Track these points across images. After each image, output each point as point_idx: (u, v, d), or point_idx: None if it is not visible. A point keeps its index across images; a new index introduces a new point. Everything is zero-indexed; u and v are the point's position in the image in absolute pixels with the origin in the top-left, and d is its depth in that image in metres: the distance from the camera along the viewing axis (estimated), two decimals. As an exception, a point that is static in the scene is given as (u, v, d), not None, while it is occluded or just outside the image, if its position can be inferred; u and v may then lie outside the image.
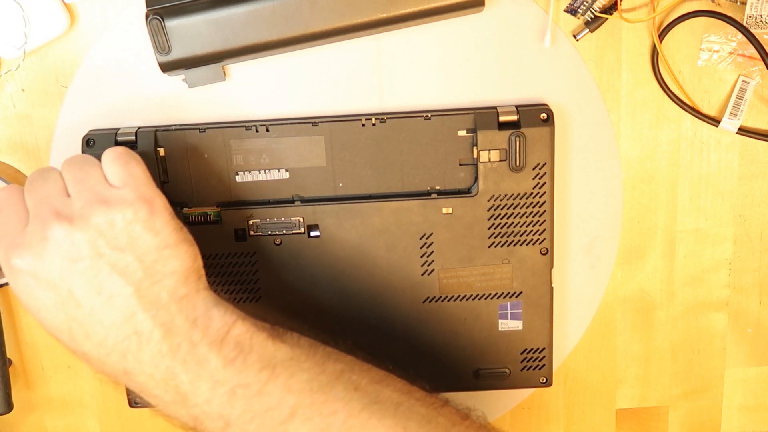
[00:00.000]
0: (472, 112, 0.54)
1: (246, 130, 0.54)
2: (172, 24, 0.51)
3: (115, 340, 0.44)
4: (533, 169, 0.55)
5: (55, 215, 0.44)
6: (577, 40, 0.55)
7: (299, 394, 0.45)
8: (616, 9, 0.54)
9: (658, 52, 0.55)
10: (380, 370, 0.49)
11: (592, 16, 0.54)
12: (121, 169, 0.46)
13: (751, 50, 0.54)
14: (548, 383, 0.59)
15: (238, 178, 0.55)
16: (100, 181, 0.45)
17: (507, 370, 0.59)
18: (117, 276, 0.44)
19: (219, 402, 0.44)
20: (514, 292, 0.57)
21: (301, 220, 0.56)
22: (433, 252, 0.56)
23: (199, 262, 0.46)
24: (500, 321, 0.58)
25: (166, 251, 0.45)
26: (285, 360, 0.46)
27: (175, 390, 0.45)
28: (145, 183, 0.46)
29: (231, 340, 0.45)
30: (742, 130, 0.57)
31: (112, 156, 0.47)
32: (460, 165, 0.55)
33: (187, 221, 0.56)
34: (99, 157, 0.47)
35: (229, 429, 0.45)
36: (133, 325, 0.44)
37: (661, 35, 0.55)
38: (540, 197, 0.55)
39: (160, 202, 0.46)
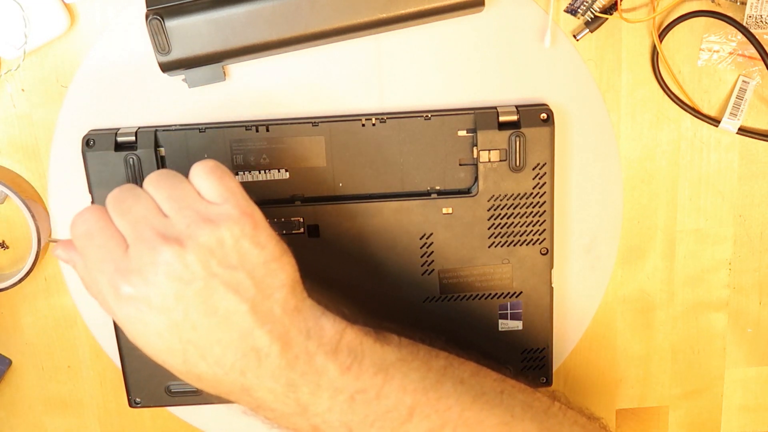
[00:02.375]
0: (472, 112, 0.54)
1: (246, 130, 0.54)
2: (172, 24, 0.51)
3: (233, 358, 0.43)
4: (533, 169, 0.55)
5: (161, 238, 0.42)
6: (577, 40, 0.55)
7: (414, 394, 0.46)
8: (616, 9, 0.54)
9: (658, 52, 0.55)
10: (471, 362, 0.50)
11: (592, 16, 0.54)
12: (218, 183, 0.44)
13: (751, 50, 0.54)
14: (548, 383, 0.59)
15: (238, 178, 0.55)
16: (197, 198, 0.44)
17: (507, 370, 0.59)
18: (231, 294, 0.43)
19: (340, 409, 0.45)
20: (514, 292, 0.57)
21: (301, 220, 0.56)
22: (433, 252, 0.56)
23: (298, 271, 0.46)
24: (500, 321, 0.58)
25: (273, 264, 0.44)
26: (395, 361, 0.46)
27: (295, 402, 0.44)
28: (243, 196, 0.45)
29: (344, 347, 0.45)
30: (742, 130, 0.57)
31: (205, 170, 0.45)
32: (460, 165, 0.55)
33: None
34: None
35: None
36: (251, 342, 0.43)
37: (661, 35, 0.55)
38: (540, 197, 0.55)
39: (259, 214, 0.44)
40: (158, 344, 0.43)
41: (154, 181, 0.45)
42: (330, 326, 0.46)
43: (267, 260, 0.44)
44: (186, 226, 0.42)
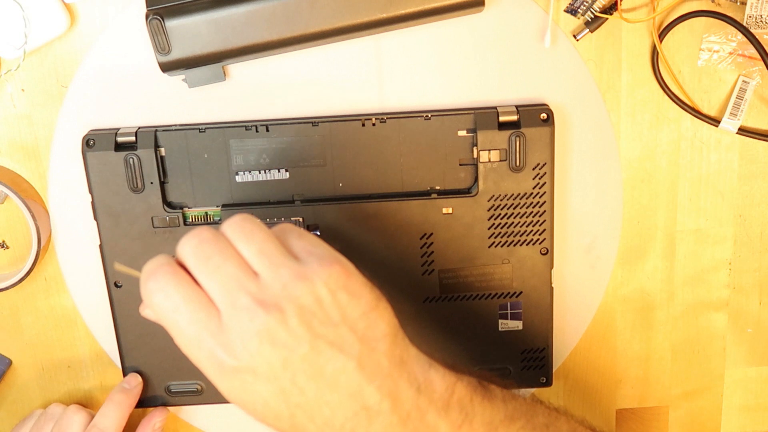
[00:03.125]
0: (472, 112, 0.54)
1: (246, 130, 0.54)
2: (172, 24, 0.51)
3: (343, 418, 0.41)
4: (533, 169, 0.55)
5: (260, 305, 0.39)
6: (577, 40, 0.55)
7: None
8: (616, 9, 0.54)
9: (658, 52, 0.55)
10: (569, 419, 0.50)
11: (592, 16, 0.54)
12: (301, 238, 0.42)
13: (751, 50, 0.54)
14: (548, 383, 0.59)
15: (238, 178, 0.55)
16: (285, 253, 0.41)
17: (507, 370, 0.59)
18: (337, 353, 0.40)
19: None
20: (514, 292, 0.57)
21: (301, 220, 0.56)
22: (433, 252, 0.56)
23: (395, 317, 0.43)
24: (500, 321, 0.58)
25: (372, 314, 0.41)
26: (503, 419, 0.45)
27: None
28: (326, 246, 0.42)
29: (455, 404, 0.43)
30: (742, 130, 0.57)
31: (288, 228, 0.43)
32: (460, 165, 0.55)
33: (187, 221, 0.56)
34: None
35: None
36: (361, 400, 0.41)
37: (661, 35, 0.55)
38: (540, 197, 0.55)
39: (347, 261, 0.42)
40: (265, 411, 0.41)
41: (239, 231, 0.41)
42: (440, 380, 0.43)
43: (365, 311, 0.41)
44: (282, 287, 0.39)
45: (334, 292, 0.40)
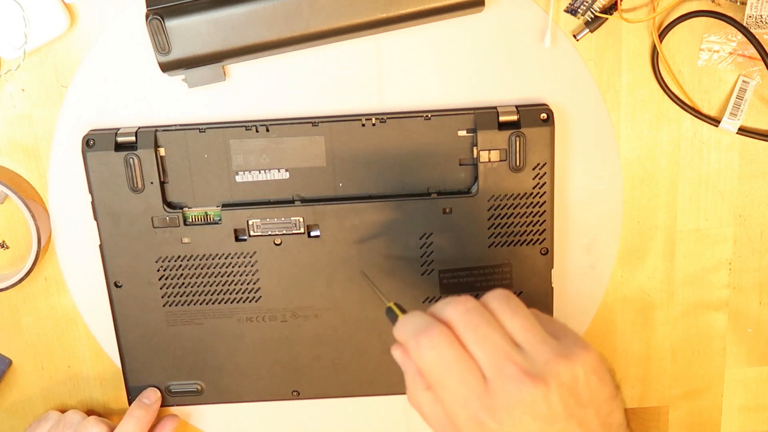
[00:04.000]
0: (472, 112, 0.54)
1: (246, 130, 0.54)
2: (172, 24, 0.51)
3: None
4: (533, 169, 0.55)
5: (526, 375, 0.41)
6: (577, 40, 0.55)
7: None
8: (616, 9, 0.54)
9: (658, 52, 0.55)
10: None
11: (592, 16, 0.54)
12: (550, 321, 0.45)
13: (751, 50, 0.54)
14: (548, 383, 0.59)
15: (238, 178, 0.55)
16: (542, 331, 0.43)
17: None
18: None
19: None
20: (514, 292, 0.57)
21: (301, 220, 0.56)
22: (433, 252, 0.56)
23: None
24: (500, 321, 0.58)
25: (614, 402, 0.43)
26: None
27: None
28: (574, 331, 0.45)
29: None
30: (742, 130, 0.57)
31: (535, 311, 0.45)
32: (460, 165, 0.55)
33: (187, 221, 0.56)
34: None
35: None
36: None
37: (661, 35, 0.55)
38: (540, 197, 0.55)
39: (594, 348, 0.44)
40: None
41: (505, 305, 0.44)
42: None
43: (608, 397, 0.43)
44: (545, 362, 0.42)
45: (588, 374, 0.42)
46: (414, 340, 0.42)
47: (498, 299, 0.44)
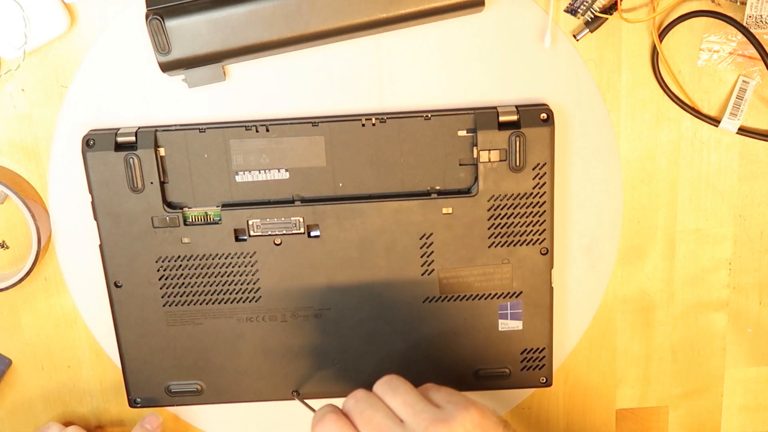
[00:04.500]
0: (472, 112, 0.54)
1: (246, 130, 0.54)
2: (172, 24, 0.51)
3: None
4: (533, 169, 0.55)
5: None
6: (577, 40, 0.55)
7: None
8: (616, 9, 0.54)
9: (658, 52, 0.55)
10: None
11: (592, 16, 0.54)
12: (440, 390, 0.50)
13: (751, 50, 0.54)
14: (548, 383, 0.60)
15: (238, 178, 0.55)
16: (426, 402, 0.48)
17: (507, 370, 0.59)
18: None
19: None
20: (514, 292, 0.57)
21: (301, 220, 0.56)
22: (433, 252, 0.56)
23: None
24: (500, 321, 0.58)
25: None
26: None
27: None
28: (464, 395, 0.49)
29: None
30: (742, 130, 0.57)
31: (429, 386, 0.51)
32: (460, 165, 0.55)
33: (187, 221, 0.56)
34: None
35: None
36: None
37: (661, 35, 0.55)
38: (540, 197, 0.55)
39: (482, 405, 0.48)
40: None
41: (387, 387, 0.50)
42: None
43: None
44: (424, 429, 0.46)
45: (470, 431, 0.46)
46: (315, 428, 0.49)
47: (382, 385, 0.50)
